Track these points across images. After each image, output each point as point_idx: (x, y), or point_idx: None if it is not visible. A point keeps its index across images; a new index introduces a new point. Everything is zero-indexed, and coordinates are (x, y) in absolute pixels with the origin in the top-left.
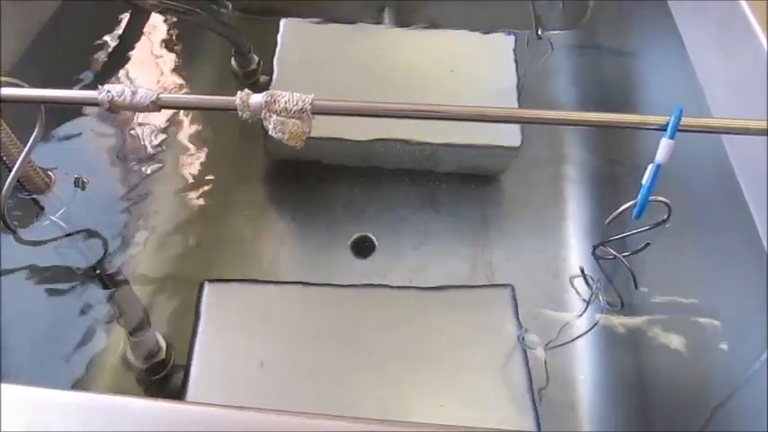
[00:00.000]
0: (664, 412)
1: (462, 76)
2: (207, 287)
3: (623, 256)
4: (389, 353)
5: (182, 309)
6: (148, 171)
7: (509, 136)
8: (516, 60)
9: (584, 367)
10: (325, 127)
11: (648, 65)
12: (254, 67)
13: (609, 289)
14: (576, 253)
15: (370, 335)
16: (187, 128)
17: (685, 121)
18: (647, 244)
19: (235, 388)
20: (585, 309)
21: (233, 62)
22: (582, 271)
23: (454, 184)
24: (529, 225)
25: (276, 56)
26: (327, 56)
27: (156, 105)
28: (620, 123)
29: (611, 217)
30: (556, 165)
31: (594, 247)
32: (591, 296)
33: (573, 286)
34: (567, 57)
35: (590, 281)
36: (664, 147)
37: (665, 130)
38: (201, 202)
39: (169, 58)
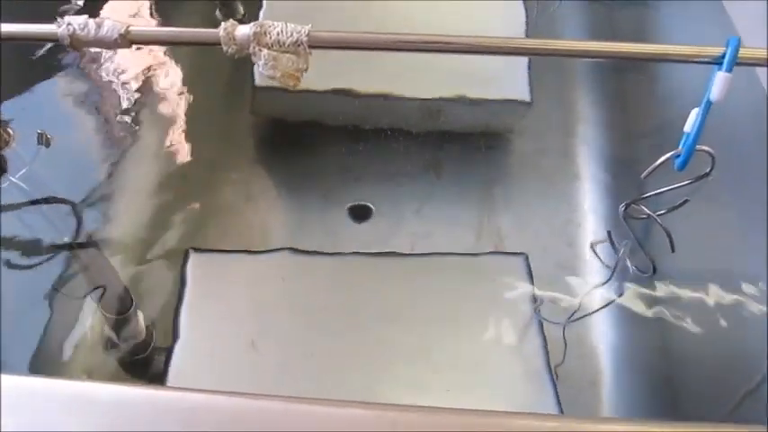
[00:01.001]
0: (693, 391)
1: (466, 27)
2: (192, 257)
3: (657, 215)
4: (393, 328)
5: (164, 282)
6: (123, 129)
7: (518, 90)
8: (525, 9)
9: (605, 340)
10: (318, 80)
11: (673, 11)
12: (240, 16)
13: (636, 254)
14: (591, 218)
15: (372, 307)
16: (166, 82)
17: (744, 52)
18: (686, 200)
19: (223, 370)
20: (612, 274)
21: (217, 12)
22: (609, 234)
23: (458, 145)
24: (539, 188)
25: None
26: (321, 5)
27: (126, 40)
28: (667, 55)
29: (649, 169)
30: (567, 123)
31: (626, 205)
32: (617, 261)
33: (594, 252)
34: (580, 4)
35: (616, 244)
36: (720, 81)
37: (720, 63)
38: (184, 165)
39: (146, 8)
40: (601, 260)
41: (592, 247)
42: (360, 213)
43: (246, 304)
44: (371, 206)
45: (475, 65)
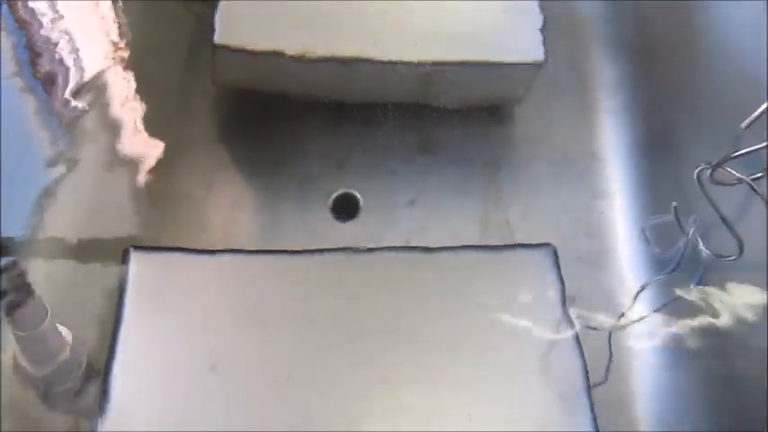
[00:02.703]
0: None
1: None
2: (134, 257)
3: (751, 179)
4: (391, 342)
5: (100, 289)
6: (59, 102)
7: (528, 48)
8: None
9: (664, 353)
10: (286, 40)
11: None
12: None
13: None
14: (618, 203)
15: (363, 318)
16: (112, 49)
17: None
18: None
19: (175, 401)
20: (679, 261)
21: None
22: (674, 210)
23: (456, 121)
24: (553, 170)
25: None
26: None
27: None
28: None
29: (752, 117)
30: (582, 89)
31: (713, 167)
32: (686, 244)
33: (646, 237)
34: None
35: (683, 223)
36: None
37: None
38: (131, 147)
39: None
40: (649, 242)
41: (643, 231)
42: (344, 206)
43: (205, 317)
44: (358, 197)
45: (477, 21)
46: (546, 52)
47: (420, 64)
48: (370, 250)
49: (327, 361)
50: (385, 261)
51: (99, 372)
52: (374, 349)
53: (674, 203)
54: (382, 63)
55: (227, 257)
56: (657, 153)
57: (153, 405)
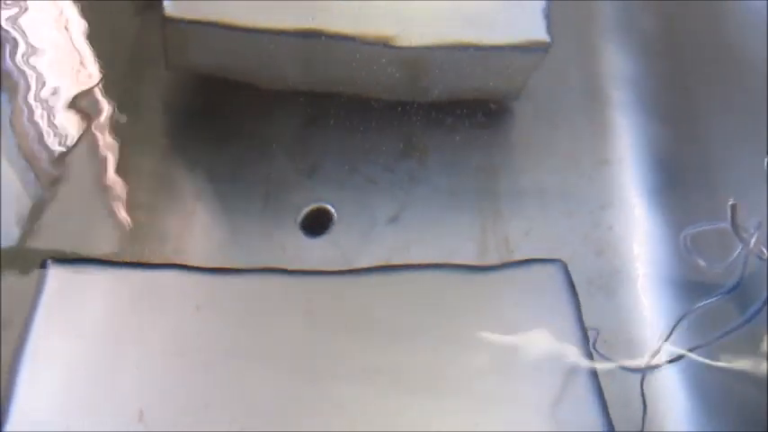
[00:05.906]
0: None
1: None
2: (52, 272)
3: None
4: (367, 386)
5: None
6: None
7: (531, 30)
8: None
9: (674, 394)
10: (248, 12)
11: None
12: None
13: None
14: (634, 215)
15: (334, 355)
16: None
17: None
18: None
19: None
20: (740, 280)
21: None
22: (732, 209)
23: (447, 121)
24: (558, 178)
25: None
26: None
27: None
28: None
29: None
30: (590, 81)
31: None
32: (745, 256)
33: (687, 247)
34: None
35: (742, 229)
36: None
37: None
38: (68, 141)
39: None
40: (690, 252)
41: (685, 239)
42: (315, 221)
43: (133, 349)
44: (331, 209)
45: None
46: (551, 36)
47: (408, 48)
48: (344, 273)
49: (286, 411)
50: (361, 285)
51: None
52: (345, 396)
53: (732, 201)
54: (362, 43)
55: (165, 275)
56: (680, 156)
57: None
